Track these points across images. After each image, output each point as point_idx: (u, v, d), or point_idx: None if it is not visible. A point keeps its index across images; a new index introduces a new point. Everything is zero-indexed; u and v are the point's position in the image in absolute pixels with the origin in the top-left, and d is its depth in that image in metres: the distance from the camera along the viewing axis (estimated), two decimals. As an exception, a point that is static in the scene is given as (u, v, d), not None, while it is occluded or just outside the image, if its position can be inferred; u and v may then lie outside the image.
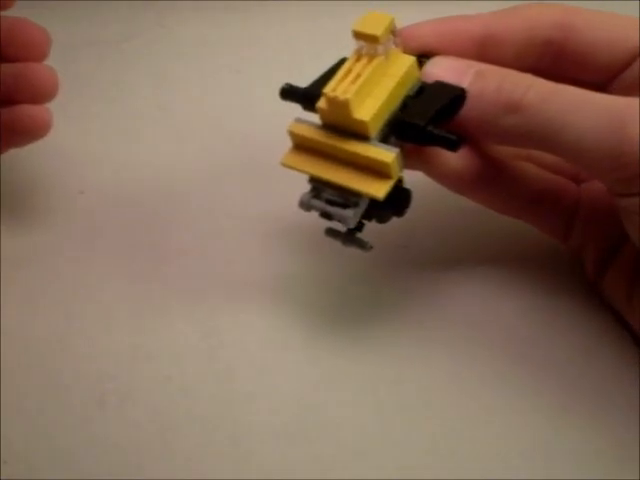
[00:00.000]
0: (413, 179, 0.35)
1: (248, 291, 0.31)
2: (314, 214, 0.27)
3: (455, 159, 0.27)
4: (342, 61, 0.26)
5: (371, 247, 0.28)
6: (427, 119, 0.25)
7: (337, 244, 0.29)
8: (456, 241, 0.33)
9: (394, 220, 0.32)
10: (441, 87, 0.26)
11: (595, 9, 0.27)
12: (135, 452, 0.27)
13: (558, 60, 0.28)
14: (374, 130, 0.25)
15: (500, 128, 0.25)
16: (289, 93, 0.27)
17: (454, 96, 0.25)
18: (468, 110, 0.25)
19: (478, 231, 0.33)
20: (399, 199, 0.27)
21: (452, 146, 0.25)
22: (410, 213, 0.33)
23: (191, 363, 0.29)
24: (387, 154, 0.25)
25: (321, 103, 0.25)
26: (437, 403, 0.28)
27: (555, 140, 0.25)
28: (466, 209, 0.34)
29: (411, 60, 0.26)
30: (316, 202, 0.26)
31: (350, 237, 0.28)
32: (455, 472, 0.27)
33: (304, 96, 0.26)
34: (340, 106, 0.24)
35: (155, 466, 0.27)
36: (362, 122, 0.25)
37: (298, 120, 0.26)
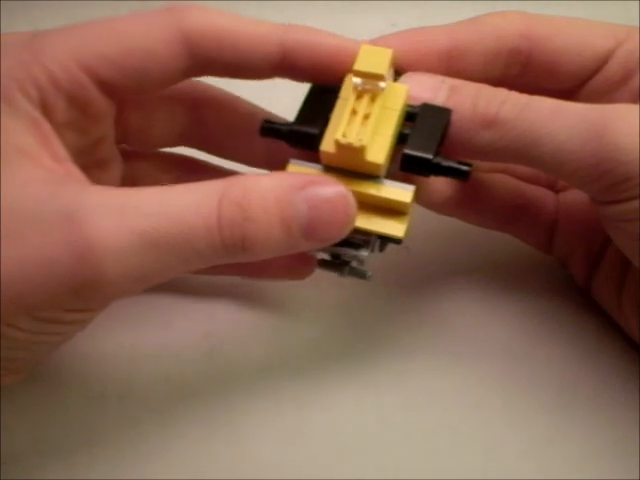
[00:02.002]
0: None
1: (248, 290, 0.31)
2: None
3: (438, 182, 0.26)
4: (316, 90, 0.25)
5: (371, 275, 0.27)
6: (434, 151, 0.24)
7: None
8: (457, 242, 0.33)
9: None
10: (430, 111, 0.24)
11: (559, 15, 0.27)
12: (135, 452, 0.27)
13: (525, 69, 0.27)
14: (385, 169, 0.24)
15: (476, 144, 0.24)
16: (270, 131, 0.25)
17: (447, 120, 0.24)
18: None
19: (479, 232, 0.33)
20: None
21: (463, 176, 0.24)
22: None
23: (191, 363, 0.29)
24: (404, 193, 0.24)
25: (327, 147, 0.24)
26: (437, 403, 0.28)
27: (532, 153, 0.24)
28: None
29: (405, 89, 0.24)
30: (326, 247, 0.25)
31: (347, 268, 0.26)
32: (455, 472, 0.27)
33: (290, 134, 0.24)
34: (354, 152, 0.23)
35: (155, 466, 0.27)
36: (376, 165, 0.24)
37: (296, 162, 0.25)
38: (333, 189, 0.22)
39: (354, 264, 0.26)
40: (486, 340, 0.30)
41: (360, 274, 0.27)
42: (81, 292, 0.21)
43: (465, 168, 0.24)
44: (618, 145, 0.23)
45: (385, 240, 0.25)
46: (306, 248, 0.23)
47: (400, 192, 0.24)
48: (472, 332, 0.30)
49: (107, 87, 0.23)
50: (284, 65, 0.25)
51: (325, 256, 0.27)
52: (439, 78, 0.25)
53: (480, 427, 0.28)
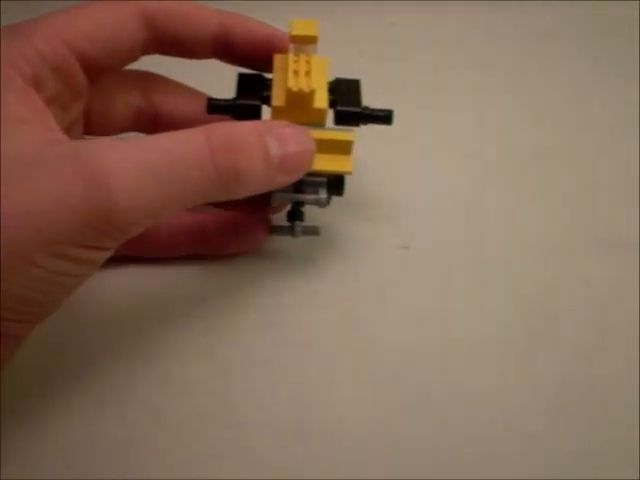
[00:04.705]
0: (410, 179, 0.35)
1: (248, 289, 0.31)
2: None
3: None
4: (244, 77, 0.29)
5: (320, 230, 0.31)
6: (360, 105, 0.29)
7: (333, 244, 0.29)
8: (457, 241, 0.33)
9: (393, 220, 0.32)
10: (344, 81, 0.29)
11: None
12: (135, 452, 0.27)
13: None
14: (327, 117, 0.28)
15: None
16: (216, 107, 0.28)
17: (359, 85, 0.29)
18: None
19: (478, 231, 0.33)
20: (339, 182, 0.29)
21: (387, 121, 0.29)
22: (410, 213, 0.34)
23: (191, 362, 0.29)
24: (349, 134, 0.28)
25: (277, 102, 0.27)
26: (437, 402, 0.28)
27: None
28: (465, 209, 0.34)
29: (327, 59, 0.29)
30: (288, 195, 0.29)
31: (298, 228, 0.30)
32: (455, 472, 0.27)
33: (235, 107, 0.28)
34: (304, 98, 0.27)
35: (155, 466, 0.27)
36: (321, 110, 0.28)
37: None
38: (293, 127, 0.27)
39: (304, 226, 0.30)
40: (487, 338, 0.30)
41: (311, 231, 0.31)
42: (95, 223, 0.23)
43: (388, 113, 0.29)
44: None
45: (331, 191, 0.29)
46: (280, 183, 0.26)
47: (345, 133, 0.28)
48: (473, 330, 0.30)
49: (84, 59, 0.27)
50: (221, 42, 0.29)
51: (284, 223, 0.30)
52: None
53: (480, 426, 0.28)
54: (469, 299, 0.31)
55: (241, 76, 0.29)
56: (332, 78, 0.29)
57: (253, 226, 0.32)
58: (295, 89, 0.27)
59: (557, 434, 0.27)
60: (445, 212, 0.34)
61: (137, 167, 0.23)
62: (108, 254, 0.25)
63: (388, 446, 0.27)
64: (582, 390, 0.29)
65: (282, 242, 0.32)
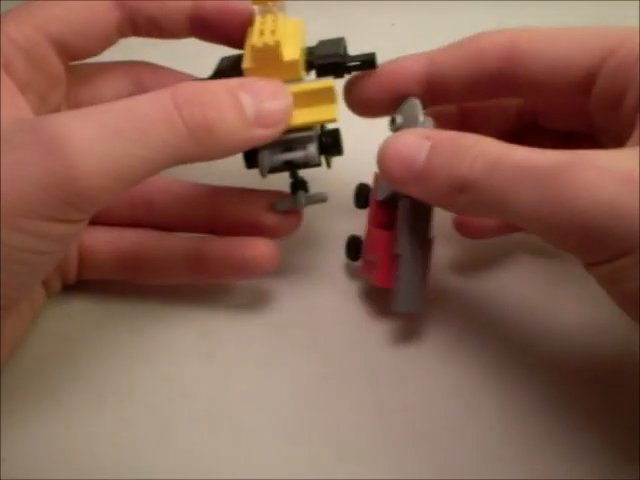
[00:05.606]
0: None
1: (247, 290, 0.31)
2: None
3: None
4: (225, 59, 0.29)
5: (327, 196, 0.29)
6: (339, 55, 0.28)
7: (334, 243, 0.29)
8: (457, 241, 0.33)
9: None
10: (327, 41, 0.28)
11: (545, 27, 0.27)
12: (135, 452, 0.27)
13: (516, 88, 0.27)
14: (302, 71, 0.27)
15: (457, 207, 0.25)
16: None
17: (344, 41, 0.28)
18: (423, 191, 0.25)
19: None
20: (333, 139, 0.28)
21: (372, 65, 0.28)
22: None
23: (191, 363, 0.29)
24: (327, 81, 0.27)
25: (247, 63, 0.27)
26: (437, 403, 0.28)
27: (504, 215, 0.24)
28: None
29: (301, 21, 0.28)
30: (276, 157, 0.28)
31: (302, 198, 0.29)
32: (455, 472, 0.27)
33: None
34: (270, 51, 0.26)
35: (155, 466, 0.27)
36: (293, 62, 0.27)
37: None
38: (266, 80, 0.26)
39: (309, 195, 0.29)
40: (487, 338, 0.30)
41: (317, 199, 0.29)
42: (55, 191, 0.22)
43: (370, 57, 0.28)
44: (572, 205, 0.22)
45: (328, 150, 0.28)
46: (260, 138, 0.25)
47: (323, 81, 0.27)
48: (473, 331, 0.30)
49: (58, 44, 0.27)
50: (197, 20, 0.28)
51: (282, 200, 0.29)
52: (422, 136, 0.25)
53: (480, 427, 0.28)
54: (469, 299, 0.31)
55: (223, 59, 0.29)
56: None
57: (259, 253, 0.29)
58: (259, 44, 0.26)
59: (557, 434, 0.27)
60: (445, 212, 0.34)
61: (96, 128, 0.22)
62: (75, 228, 0.24)
63: (388, 447, 0.27)
64: (580, 390, 0.29)
65: (281, 243, 0.31)
